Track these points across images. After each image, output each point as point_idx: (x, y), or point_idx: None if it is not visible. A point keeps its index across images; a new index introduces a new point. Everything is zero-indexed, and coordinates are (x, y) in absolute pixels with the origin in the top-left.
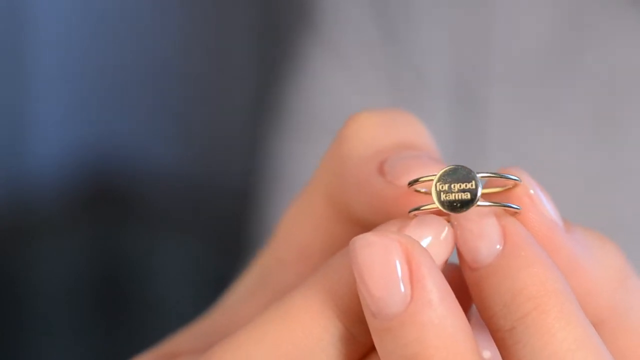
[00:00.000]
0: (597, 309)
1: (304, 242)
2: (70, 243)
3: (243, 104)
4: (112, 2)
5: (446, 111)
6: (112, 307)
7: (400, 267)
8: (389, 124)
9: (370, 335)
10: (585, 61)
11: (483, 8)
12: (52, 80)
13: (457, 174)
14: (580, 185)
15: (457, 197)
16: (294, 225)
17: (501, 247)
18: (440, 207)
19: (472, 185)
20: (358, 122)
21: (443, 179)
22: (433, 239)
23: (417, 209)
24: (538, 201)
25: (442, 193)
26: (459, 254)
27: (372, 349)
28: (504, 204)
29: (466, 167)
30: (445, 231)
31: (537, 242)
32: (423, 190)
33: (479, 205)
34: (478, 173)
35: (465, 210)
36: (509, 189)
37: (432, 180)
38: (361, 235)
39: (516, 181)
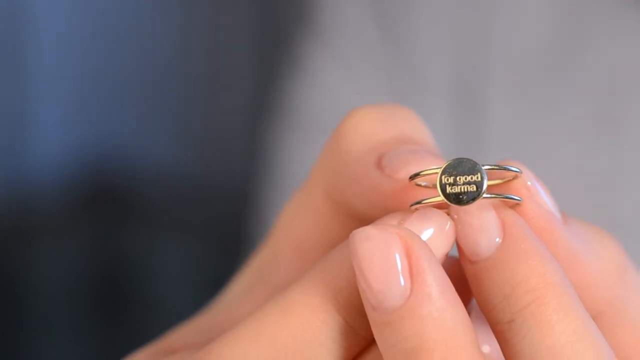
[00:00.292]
0: (595, 302)
1: (302, 237)
2: (70, 243)
3: (243, 104)
4: (112, 2)
5: (446, 111)
6: (112, 307)
7: (400, 261)
8: (387, 119)
9: (370, 328)
10: (585, 61)
11: (483, 8)
12: (52, 80)
13: (463, 166)
14: (580, 185)
15: (463, 190)
16: (292, 221)
17: (500, 240)
18: (446, 200)
19: (477, 178)
20: (356, 117)
21: (448, 171)
22: (434, 232)
23: (419, 202)
24: (536, 193)
25: (447, 186)
26: (459, 247)
27: (372, 342)
28: (506, 196)
29: (471, 160)
30: (447, 226)
31: (535, 234)
32: (424, 184)
33: (484, 198)
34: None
35: (472, 203)
36: (509, 180)
37: (435, 173)
38: (361, 229)
39: (516, 173)
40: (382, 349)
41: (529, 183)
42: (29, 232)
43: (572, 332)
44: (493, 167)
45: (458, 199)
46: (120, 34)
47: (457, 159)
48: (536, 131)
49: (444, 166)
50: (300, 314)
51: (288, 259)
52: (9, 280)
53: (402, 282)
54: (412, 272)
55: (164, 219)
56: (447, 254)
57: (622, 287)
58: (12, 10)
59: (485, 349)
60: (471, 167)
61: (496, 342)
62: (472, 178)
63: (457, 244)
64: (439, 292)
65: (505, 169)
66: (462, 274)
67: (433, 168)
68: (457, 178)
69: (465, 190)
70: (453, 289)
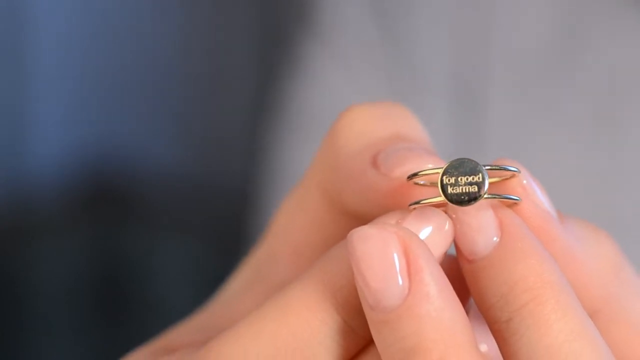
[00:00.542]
0: (591, 300)
1: (299, 235)
2: (70, 243)
3: (243, 104)
4: (112, 2)
5: (446, 111)
6: (112, 307)
7: (398, 260)
8: (383, 117)
9: (368, 328)
10: (585, 61)
11: (483, 8)
12: (52, 80)
13: (464, 167)
14: (580, 185)
15: (464, 190)
16: (288, 219)
17: (498, 239)
18: (447, 201)
19: (479, 178)
20: (351, 115)
21: (449, 172)
22: (433, 231)
23: (418, 202)
24: (532, 192)
25: (448, 186)
26: (456, 247)
27: (370, 341)
28: (505, 196)
29: (472, 160)
30: (448, 223)
31: (533, 233)
32: (422, 182)
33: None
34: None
35: (473, 203)
36: (506, 179)
37: (435, 173)
38: (359, 228)
39: (514, 172)
40: (380, 348)
41: (524, 182)
42: (29, 232)
43: (570, 330)
44: (492, 167)
45: (459, 200)
46: (120, 34)
47: (458, 159)
48: (536, 131)
49: (446, 166)
50: (300, 313)
51: (285, 256)
52: (9, 280)
53: (400, 282)
54: (410, 272)
55: (164, 219)
56: (446, 253)
57: (618, 285)
58: (12, 10)
59: (483, 347)
60: (473, 168)
61: (494, 340)
62: (473, 178)
63: (455, 243)
64: (437, 291)
65: (503, 168)
66: (459, 272)
67: (433, 168)
68: (459, 178)
69: (467, 190)
70: (451, 288)
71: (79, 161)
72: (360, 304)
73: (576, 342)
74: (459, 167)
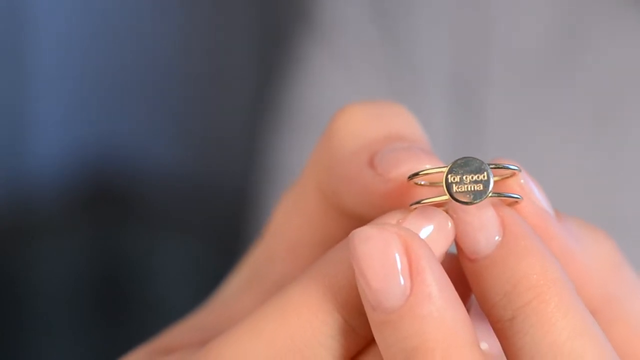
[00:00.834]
0: (590, 299)
1: (296, 234)
2: (70, 243)
3: (243, 104)
4: (112, 2)
5: (445, 111)
6: (112, 307)
7: (400, 260)
8: (379, 116)
9: (369, 328)
10: (585, 61)
11: (483, 8)
12: (52, 80)
13: (469, 165)
14: (580, 185)
15: (469, 189)
16: (285, 219)
17: (500, 238)
18: (453, 199)
19: (484, 177)
20: (347, 114)
21: (454, 170)
22: (434, 231)
23: (419, 202)
24: (529, 191)
25: (454, 185)
26: (458, 246)
27: (371, 341)
28: (507, 194)
29: (477, 159)
30: (449, 223)
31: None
32: (422, 182)
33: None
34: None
35: (479, 202)
36: (506, 178)
37: (438, 172)
38: (361, 228)
39: (514, 171)
40: (382, 348)
41: (522, 181)
42: (29, 232)
43: (573, 328)
44: (494, 166)
45: (465, 198)
46: (120, 34)
47: (463, 158)
48: (536, 131)
49: (451, 165)
50: (300, 314)
51: (283, 255)
52: (9, 280)
53: (402, 282)
54: (412, 272)
55: (164, 219)
56: (446, 252)
57: (616, 285)
58: (12, 10)
59: (484, 346)
60: (478, 166)
61: (495, 339)
62: (478, 177)
63: (456, 242)
64: (439, 291)
65: (504, 167)
66: (460, 271)
67: (436, 167)
68: (464, 177)
69: (473, 189)
70: (452, 287)
71: (79, 161)
72: (361, 303)
73: (579, 339)
74: (464, 165)
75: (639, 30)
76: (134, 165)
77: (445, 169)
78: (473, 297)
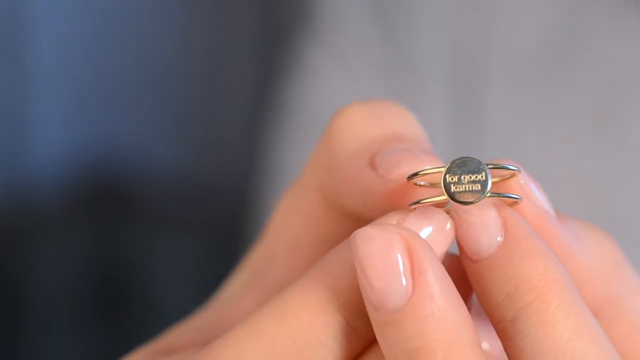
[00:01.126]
0: (591, 299)
1: (296, 234)
2: (70, 243)
3: (243, 104)
4: (112, 2)
5: (445, 111)
6: (112, 307)
7: (402, 261)
8: (379, 116)
9: (371, 328)
10: (585, 61)
11: (483, 8)
12: (52, 80)
13: (467, 165)
14: (580, 184)
15: (467, 189)
16: (285, 219)
17: (502, 239)
18: (450, 199)
19: (482, 177)
20: (347, 114)
21: (453, 170)
22: (434, 231)
23: (418, 202)
24: (530, 191)
25: (452, 185)
26: (459, 246)
27: (372, 342)
28: (507, 195)
29: (475, 159)
30: (449, 223)
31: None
32: (421, 183)
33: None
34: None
35: (477, 202)
36: (506, 179)
37: (436, 172)
38: (363, 228)
39: (514, 171)
40: (384, 349)
41: (522, 182)
42: (29, 232)
43: (575, 329)
44: (493, 166)
45: (463, 198)
46: (120, 34)
47: (461, 158)
48: (536, 131)
49: (449, 165)
50: (301, 315)
51: (283, 256)
52: (9, 280)
53: (404, 282)
54: (414, 272)
55: (164, 219)
56: (447, 252)
57: (618, 284)
58: (12, 10)
59: (485, 346)
60: (476, 166)
61: (496, 339)
62: (477, 177)
63: (458, 243)
64: (441, 291)
65: (504, 167)
66: (461, 271)
67: (435, 167)
68: (462, 177)
69: (470, 189)
70: (454, 288)
71: (79, 161)
72: (362, 304)
73: (581, 340)
74: (462, 165)
75: (639, 30)
76: (134, 165)
77: (444, 169)
78: (474, 296)
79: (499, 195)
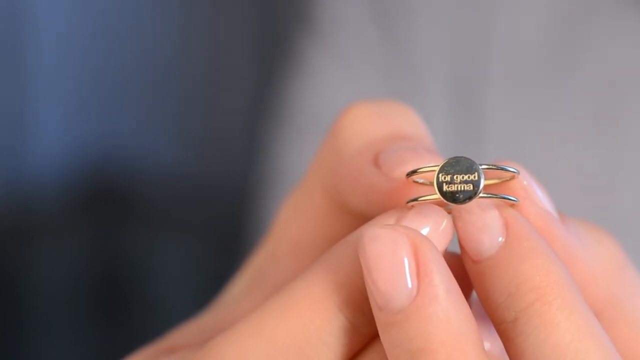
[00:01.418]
0: (594, 300)
1: (300, 236)
2: (70, 243)
3: (243, 104)
4: (112, 2)
5: (445, 111)
6: (112, 307)
7: (408, 261)
8: (384, 115)
9: (371, 326)
10: (586, 61)
11: (483, 8)
12: (52, 80)
13: (460, 165)
14: (580, 184)
15: (459, 188)
16: (290, 220)
17: (503, 240)
18: (442, 198)
19: (474, 177)
20: (352, 113)
21: (445, 169)
22: (431, 230)
23: (415, 199)
24: (532, 193)
25: (444, 184)
26: (461, 247)
27: (372, 339)
28: (502, 196)
29: (469, 159)
30: (444, 223)
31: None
32: (421, 181)
33: (480, 197)
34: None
35: (468, 202)
36: (506, 181)
37: (432, 171)
38: (370, 228)
39: (514, 173)
40: (387, 348)
41: (525, 183)
42: (29, 232)
43: (576, 330)
44: (491, 166)
45: (454, 198)
46: (120, 34)
47: (454, 157)
48: (536, 131)
49: (442, 164)
50: (302, 311)
51: (286, 257)
52: (9, 280)
53: (409, 283)
54: (420, 273)
55: (164, 219)
56: (446, 250)
57: (620, 285)
58: (12, 10)
59: (486, 345)
60: (469, 166)
61: (497, 338)
62: (469, 177)
63: (460, 243)
64: (445, 292)
65: (502, 169)
66: (461, 268)
67: (430, 166)
68: (454, 176)
69: (462, 189)
70: (459, 289)
71: (79, 161)
72: (363, 302)
73: (583, 341)
74: (455, 165)
75: (639, 30)
76: (134, 165)
77: (437, 168)
78: (474, 295)
79: (494, 196)
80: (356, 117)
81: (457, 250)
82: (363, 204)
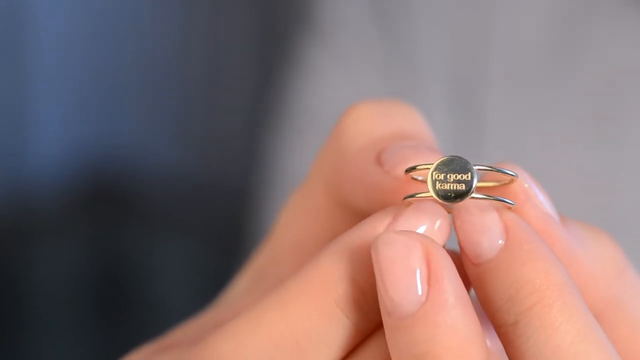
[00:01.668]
0: (594, 302)
1: (302, 236)
2: (70, 243)
3: (243, 104)
4: (112, 2)
5: (445, 111)
6: (112, 307)
7: (419, 268)
8: (387, 114)
9: (368, 322)
10: (586, 61)
11: (483, 8)
12: (52, 80)
13: (454, 164)
14: (580, 184)
15: (452, 188)
16: (292, 220)
17: (503, 242)
18: (435, 196)
19: (467, 177)
20: (355, 112)
21: (439, 168)
22: (428, 227)
23: (412, 196)
24: (533, 195)
25: (437, 182)
26: (461, 249)
27: (370, 335)
28: (497, 198)
29: (463, 158)
30: (439, 222)
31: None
32: (420, 178)
33: (472, 198)
34: (475, 165)
35: (460, 201)
36: (505, 184)
37: (428, 168)
38: (384, 233)
39: (512, 176)
40: (393, 352)
41: (525, 185)
42: (29, 232)
43: (577, 332)
44: (487, 168)
45: (446, 196)
46: (120, 34)
47: (449, 156)
48: (536, 131)
49: (436, 163)
50: (299, 307)
51: (288, 256)
52: (9, 280)
53: (420, 289)
54: (431, 280)
55: (164, 219)
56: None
57: (620, 287)
58: (12, 10)
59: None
60: (462, 166)
61: (496, 337)
62: (462, 177)
63: (460, 245)
64: (455, 299)
65: (500, 171)
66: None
67: (427, 163)
68: (448, 175)
69: (454, 188)
70: (468, 297)
71: (79, 161)
72: (360, 298)
73: (583, 344)
74: (449, 163)
75: (639, 30)
76: (134, 165)
77: (431, 166)
78: (473, 293)
79: (490, 198)
80: (359, 116)
81: (457, 250)
82: (365, 202)
